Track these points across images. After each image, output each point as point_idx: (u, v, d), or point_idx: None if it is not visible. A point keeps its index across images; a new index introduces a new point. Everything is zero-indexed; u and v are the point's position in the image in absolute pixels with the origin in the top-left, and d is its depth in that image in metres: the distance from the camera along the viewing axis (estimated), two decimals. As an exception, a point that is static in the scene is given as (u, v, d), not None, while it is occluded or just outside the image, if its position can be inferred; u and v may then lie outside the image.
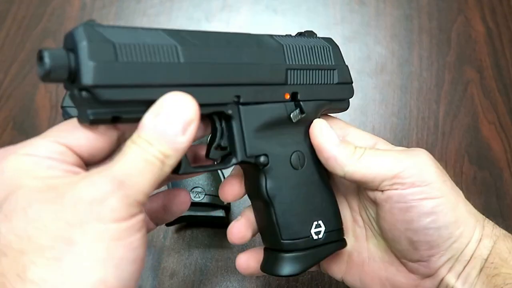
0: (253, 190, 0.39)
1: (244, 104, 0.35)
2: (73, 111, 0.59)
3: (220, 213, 0.54)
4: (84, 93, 0.29)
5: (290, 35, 0.40)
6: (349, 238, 0.43)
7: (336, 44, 0.40)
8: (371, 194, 0.39)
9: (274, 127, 0.37)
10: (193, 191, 0.54)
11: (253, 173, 0.38)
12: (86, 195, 0.27)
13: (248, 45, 0.36)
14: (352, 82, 0.41)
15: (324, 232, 0.39)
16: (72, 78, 0.29)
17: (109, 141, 0.32)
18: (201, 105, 0.31)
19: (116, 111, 0.30)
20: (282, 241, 0.38)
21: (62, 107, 0.60)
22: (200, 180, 0.54)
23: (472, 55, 0.69)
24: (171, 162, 0.30)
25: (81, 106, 0.30)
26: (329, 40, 0.41)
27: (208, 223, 0.56)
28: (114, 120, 0.31)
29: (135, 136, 0.30)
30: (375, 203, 0.39)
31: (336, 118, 0.42)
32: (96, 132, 0.31)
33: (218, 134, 0.36)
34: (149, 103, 0.30)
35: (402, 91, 0.67)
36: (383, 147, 0.40)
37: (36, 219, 0.27)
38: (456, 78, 0.68)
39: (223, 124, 0.36)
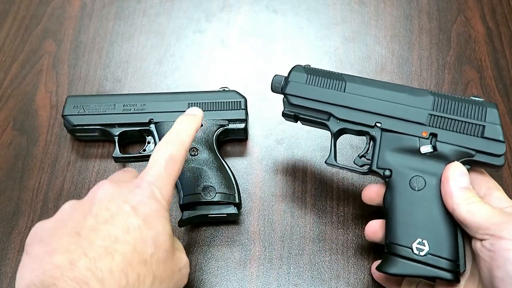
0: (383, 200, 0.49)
1: (385, 130, 0.49)
2: (74, 119, 0.61)
3: (232, 210, 0.55)
4: (284, 98, 0.53)
5: (456, 95, 0.49)
6: (461, 283, 0.45)
7: (495, 107, 0.47)
8: (473, 243, 0.43)
9: (405, 153, 0.48)
10: (205, 191, 0.55)
11: (385, 185, 0.49)
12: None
13: (400, 91, 0.49)
14: (503, 141, 0.46)
15: (428, 253, 0.44)
16: (282, 89, 0.53)
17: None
18: (351, 122, 0.50)
19: (297, 112, 0.52)
20: (387, 242, 0.46)
21: (63, 116, 0.61)
22: (211, 179, 0.55)
23: (472, 55, 0.69)
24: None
25: (285, 106, 0.53)
26: (490, 103, 0.47)
27: (220, 221, 0.57)
28: (296, 118, 0.53)
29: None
30: (475, 251, 0.42)
31: (491, 178, 0.47)
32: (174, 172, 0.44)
33: (365, 149, 0.50)
34: (317, 111, 0.51)
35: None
36: (511, 211, 0.44)
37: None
38: (456, 78, 0.68)
39: (370, 143, 0.50)
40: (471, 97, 0.48)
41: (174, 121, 0.47)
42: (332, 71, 0.52)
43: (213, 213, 0.55)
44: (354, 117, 0.50)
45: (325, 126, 0.51)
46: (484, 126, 0.46)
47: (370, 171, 0.49)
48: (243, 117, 0.60)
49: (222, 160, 0.57)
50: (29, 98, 0.68)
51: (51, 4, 0.77)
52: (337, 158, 0.53)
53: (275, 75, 0.53)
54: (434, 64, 0.69)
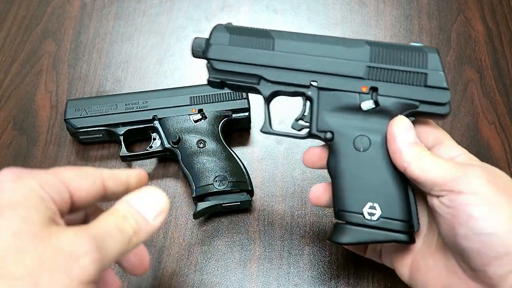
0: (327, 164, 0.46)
1: (322, 89, 0.44)
2: (77, 122, 0.60)
3: (245, 197, 0.56)
4: (207, 63, 0.46)
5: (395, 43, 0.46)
6: (419, 241, 0.44)
7: (436, 52, 0.43)
8: (429, 199, 0.40)
9: (345, 112, 0.44)
10: (217, 180, 0.56)
11: (327, 148, 0.46)
12: (67, 247, 0.29)
13: (335, 44, 0.45)
14: (447, 88, 0.42)
15: (380, 217, 0.42)
16: (204, 54, 0.46)
17: (96, 189, 0.35)
18: (284, 84, 0.45)
19: (224, 78, 0.46)
20: (336, 210, 0.44)
21: (66, 120, 0.61)
22: (221, 169, 0.57)
23: (472, 55, 0.69)
24: (138, 239, 0.34)
25: (208, 72, 0.46)
26: (430, 48, 0.44)
27: (234, 209, 0.58)
28: (222, 84, 0.46)
29: (112, 209, 0.34)
30: (432, 209, 0.40)
31: (437, 126, 0.45)
32: (87, 177, 0.35)
33: (302, 110, 0.46)
34: (245, 75, 0.45)
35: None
36: (463, 160, 0.42)
37: (18, 246, 0.29)
38: (456, 78, 0.68)
39: (306, 104, 0.46)
40: (411, 44, 0.45)
41: (177, 116, 0.47)
42: (258, 28, 0.46)
43: (227, 202, 0.56)
44: (286, 78, 0.45)
45: (255, 91, 0.47)
46: (426, 74, 0.43)
47: (310, 135, 0.46)
48: (246, 106, 0.61)
49: (230, 150, 0.58)
50: (29, 98, 0.68)
51: (51, 4, 0.77)
52: (278, 125, 0.49)
53: (195, 38, 0.47)
54: (434, 64, 0.69)
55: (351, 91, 0.44)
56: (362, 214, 0.42)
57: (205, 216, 0.58)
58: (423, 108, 0.43)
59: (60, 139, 0.65)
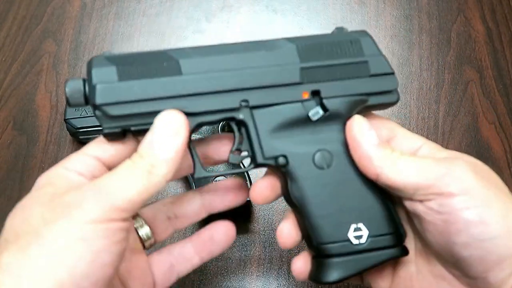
0: (284, 193, 0.39)
1: (255, 107, 0.36)
2: (77, 122, 0.60)
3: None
4: (96, 112, 0.35)
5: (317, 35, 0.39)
6: None
7: (367, 35, 0.38)
8: (409, 205, 0.35)
9: (293, 127, 0.37)
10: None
11: (280, 176, 0.39)
12: (68, 198, 0.31)
13: (254, 50, 0.37)
14: (393, 72, 0.38)
15: (368, 237, 0.36)
16: (89, 101, 0.35)
17: (132, 151, 0.35)
18: (208, 113, 0.36)
19: (125, 125, 0.35)
20: (316, 245, 0.37)
21: (65, 120, 0.61)
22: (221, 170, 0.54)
23: (472, 55, 0.69)
24: (160, 171, 0.32)
25: (100, 123, 0.35)
26: (359, 33, 0.39)
27: (231, 214, 0.55)
28: (124, 133, 0.35)
29: (133, 154, 0.33)
30: (416, 215, 0.35)
31: (385, 118, 0.40)
32: (121, 143, 0.36)
33: (237, 140, 0.38)
34: (154, 114, 0.34)
35: (402, 91, 0.67)
36: (428, 151, 0.37)
37: (26, 215, 0.31)
38: (456, 78, 0.68)
39: (242, 129, 0.38)
40: (334, 29, 0.39)
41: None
42: (149, 51, 0.37)
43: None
44: (209, 105, 0.36)
45: None
46: (366, 62, 0.37)
47: (258, 165, 0.37)
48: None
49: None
50: (29, 98, 0.68)
51: (51, 4, 0.77)
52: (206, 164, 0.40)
53: (67, 81, 0.36)
54: (434, 64, 0.69)
55: (291, 102, 0.37)
56: (349, 240, 0.36)
57: (204, 218, 0.57)
58: (373, 101, 0.38)
59: (60, 139, 0.65)
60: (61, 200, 0.31)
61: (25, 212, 0.32)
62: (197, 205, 0.43)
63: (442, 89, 0.67)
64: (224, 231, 0.42)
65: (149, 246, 0.42)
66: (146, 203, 0.39)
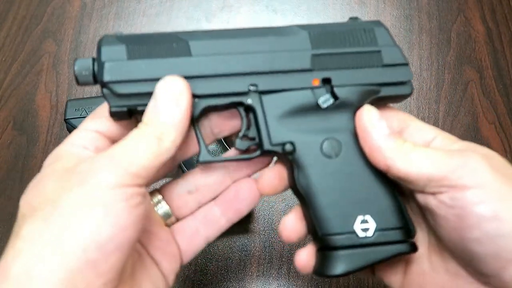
0: (291, 184, 0.38)
1: (264, 92, 0.36)
2: (77, 122, 0.60)
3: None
4: (104, 90, 0.34)
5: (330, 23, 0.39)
6: None
7: (381, 25, 0.38)
8: (421, 198, 0.34)
9: (302, 115, 0.36)
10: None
11: (287, 164, 0.38)
12: (82, 168, 0.31)
13: (265, 35, 0.36)
14: (407, 63, 0.37)
15: (376, 230, 0.35)
16: (97, 78, 0.35)
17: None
18: (216, 96, 0.35)
19: (132, 104, 0.35)
20: (321, 236, 0.35)
21: (66, 120, 0.61)
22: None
23: (472, 55, 0.69)
24: (169, 137, 0.33)
25: (107, 101, 0.35)
26: (374, 22, 0.38)
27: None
28: (130, 114, 0.35)
29: (139, 124, 0.34)
30: (428, 209, 0.34)
31: (396, 109, 0.39)
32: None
33: (244, 125, 0.37)
34: None
35: (402, 91, 0.67)
36: (441, 143, 0.36)
37: (40, 189, 0.32)
38: (456, 78, 0.68)
39: (250, 115, 0.37)
40: (348, 19, 0.39)
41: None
42: (160, 32, 0.37)
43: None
44: (217, 88, 0.35)
45: None
46: (379, 51, 0.37)
47: (264, 152, 0.37)
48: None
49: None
50: (29, 98, 0.68)
51: (51, 4, 0.77)
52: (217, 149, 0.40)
53: (76, 60, 0.35)
54: (434, 64, 0.69)
55: (301, 88, 0.36)
56: (355, 232, 0.35)
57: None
58: (386, 91, 0.37)
59: (60, 139, 0.65)
60: (75, 170, 0.31)
61: (39, 187, 0.32)
62: (220, 173, 0.40)
63: (442, 89, 0.67)
64: (248, 187, 0.39)
65: (171, 224, 0.40)
66: (162, 177, 0.40)
